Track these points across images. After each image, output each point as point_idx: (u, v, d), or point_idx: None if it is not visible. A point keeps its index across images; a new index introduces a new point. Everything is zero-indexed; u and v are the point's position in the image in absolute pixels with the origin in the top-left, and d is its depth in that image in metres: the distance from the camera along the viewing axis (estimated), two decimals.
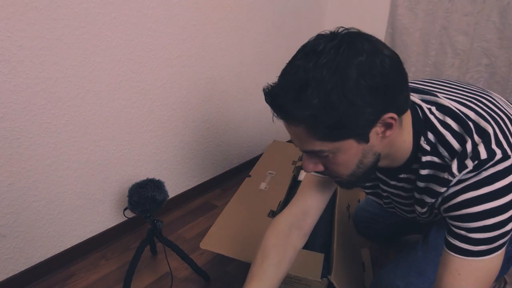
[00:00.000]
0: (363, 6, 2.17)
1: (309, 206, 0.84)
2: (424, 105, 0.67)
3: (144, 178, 1.17)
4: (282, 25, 2.02)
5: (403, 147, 0.66)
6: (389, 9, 2.03)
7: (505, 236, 0.62)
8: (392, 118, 0.57)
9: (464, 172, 0.60)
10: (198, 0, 1.50)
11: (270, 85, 0.58)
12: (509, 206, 0.60)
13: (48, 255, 1.30)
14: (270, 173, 1.62)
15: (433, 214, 0.76)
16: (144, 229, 1.57)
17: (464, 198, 0.61)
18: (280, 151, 1.83)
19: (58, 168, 1.24)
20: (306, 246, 1.17)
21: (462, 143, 0.62)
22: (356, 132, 0.58)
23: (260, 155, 1.84)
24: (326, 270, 1.07)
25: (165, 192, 1.14)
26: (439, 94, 0.70)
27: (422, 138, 0.65)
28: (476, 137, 0.61)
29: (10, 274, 1.21)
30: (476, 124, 0.63)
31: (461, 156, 0.61)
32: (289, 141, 2.16)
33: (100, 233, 1.45)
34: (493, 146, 0.60)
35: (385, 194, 0.83)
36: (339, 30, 0.57)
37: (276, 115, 0.59)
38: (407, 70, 0.59)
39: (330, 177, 0.73)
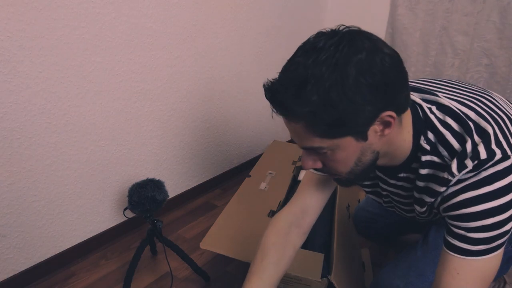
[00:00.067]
0: (363, 6, 2.17)
1: (308, 204, 0.84)
2: (424, 105, 0.67)
3: (144, 178, 1.17)
4: (282, 25, 2.02)
5: (402, 146, 0.66)
6: (389, 9, 2.03)
7: (504, 236, 0.62)
8: (390, 116, 0.57)
9: (464, 172, 0.60)
10: (198, 0, 1.50)
11: (270, 81, 0.58)
12: (508, 206, 0.60)
13: (48, 255, 1.30)
14: (270, 173, 1.62)
15: (432, 214, 0.76)
16: (144, 229, 1.57)
17: (463, 197, 0.62)
18: (280, 151, 1.83)
19: (58, 168, 1.24)
20: (306, 246, 1.17)
21: (462, 143, 0.62)
22: (354, 130, 0.58)
23: (260, 155, 1.84)
24: (326, 270, 1.07)
25: (165, 192, 1.14)
26: (439, 94, 0.70)
27: (422, 138, 0.65)
28: (476, 137, 0.61)
29: (10, 274, 1.21)
30: (476, 124, 0.63)
31: (461, 156, 0.61)
32: (289, 141, 2.16)
33: (100, 233, 1.45)
34: (493, 146, 0.60)
35: (384, 193, 0.83)
36: (340, 28, 0.57)
37: (275, 111, 0.59)
38: (407, 70, 0.59)
39: (329, 175, 0.73)
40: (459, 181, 0.62)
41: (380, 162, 0.67)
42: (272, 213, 1.33)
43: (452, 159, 0.62)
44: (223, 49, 1.70)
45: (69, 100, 1.20)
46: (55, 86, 1.15)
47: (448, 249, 0.65)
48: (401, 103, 0.59)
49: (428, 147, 0.65)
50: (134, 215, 1.44)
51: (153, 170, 1.58)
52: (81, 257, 1.40)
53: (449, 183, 0.62)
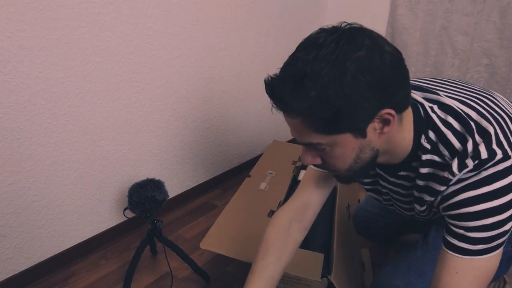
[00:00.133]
0: (363, 6, 2.17)
1: (309, 200, 0.86)
2: (426, 104, 0.67)
3: (144, 178, 1.17)
4: (282, 25, 2.02)
5: (402, 144, 0.66)
6: (389, 9, 2.03)
7: (503, 236, 0.63)
8: (389, 114, 0.57)
9: (464, 171, 0.60)
10: (198, 0, 1.50)
11: (271, 77, 0.59)
12: (508, 206, 0.60)
13: (48, 255, 1.30)
14: (270, 173, 1.62)
15: (431, 213, 0.76)
16: (144, 229, 1.57)
17: (463, 197, 0.62)
18: (280, 151, 1.83)
19: (58, 168, 1.24)
20: (306, 246, 1.17)
21: (463, 142, 0.62)
22: (353, 127, 0.58)
23: (260, 155, 1.84)
24: (326, 270, 1.07)
25: (165, 192, 1.14)
26: (441, 93, 0.70)
27: (423, 137, 0.65)
28: (477, 137, 0.61)
29: (10, 274, 1.21)
30: (477, 124, 0.63)
31: (462, 155, 0.61)
32: (289, 141, 2.16)
33: (100, 233, 1.45)
34: (494, 146, 0.60)
35: (384, 190, 0.84)
36: (342, 25, 0.57)
37: (275, 106, 0.59)
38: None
39: (328, 171, 0.74)
40: (460, 181, 0.62)
41: (380, 159, 0.68)
42: (272, 213, 1.33)
43: (453, 158, 0.62)
44: (223, 49, 1.70)
45: (69, 100, 1.20)
46: (55, 86, 1.15)
47: (447, 248, 0.65)
48: (400, 102, 0.59)
49: (428, 146, 0.65)
50: (134, 215, 1.44)
51: (153, 170, 1.58)
52: (81, 257, 1.40)
53: (449, 182, 0.62)
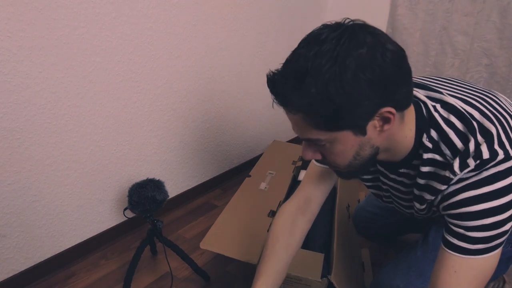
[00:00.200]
0: (363, 6, 2.17)
1: (312, 194, 0.88)
2: (429, 102, 0.67)
3: (144, 178, 1.17)
4: (282, 25, 2.02)
5: (403, 142, 0.66)
6: (389, 9, 2.03)
7: (503, 236, 0.63)
8: (390, 112, 0.57)
9: (466, 171, 0.60)
10: (198, 0, 1.50)
11: (273, 72, 0.59)
12: (508, 206, 0.60)
13: (48, 255, 1.30)
14: (270, 173, 1.62)
15: (431, 212, 0.76)
16: (144, 229, 1.57)
17: (464, 196, 0.62)
18: (280, 151, 1.83)
19: (58, 168, 1.24)
20: (306, 246, 1.17)
21: (465, 142, 0.62)
22: (352, 124, 0.58)
23: (260, 155, 1.84)
24: (326, 270, 1.07)
25: (165, 192, 1.14)
26: (444, 91, 0.70)
27: (425, 135, 0.65)
28: (479, 137, 0.61)
29: (10, 274, 1.21)
30: (480, 124, 0.63)
31: (464, 155, 0.61)
32: (289, 141, 2.16)
33: (100, 233, 1.45)
34: (496, 146, 0.60)
35: (385, 187, 0.84)
36: (345, 21, 0.57)
37: (275, 101, 0.59)
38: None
39: (329, 166, 0.74)
40: (460, 180, 0.62)
41: (381, 157, 0.68)
42: (272, 213, 1.33)
43: (454, 158, 0.62)
44: (223, 49, 1.70)
45: (69, 100, 1.20)
46: (55, 86, 1.15)
47: (446, 247, 0.65)
48: (401, 100, 0.59)
49: (430, 145, 0.65)
50: (134, 215, 1.44)
51: (153, 170, 1.58)
52: (81, 257, 1.40)
53: (450, 182, 0.62)
